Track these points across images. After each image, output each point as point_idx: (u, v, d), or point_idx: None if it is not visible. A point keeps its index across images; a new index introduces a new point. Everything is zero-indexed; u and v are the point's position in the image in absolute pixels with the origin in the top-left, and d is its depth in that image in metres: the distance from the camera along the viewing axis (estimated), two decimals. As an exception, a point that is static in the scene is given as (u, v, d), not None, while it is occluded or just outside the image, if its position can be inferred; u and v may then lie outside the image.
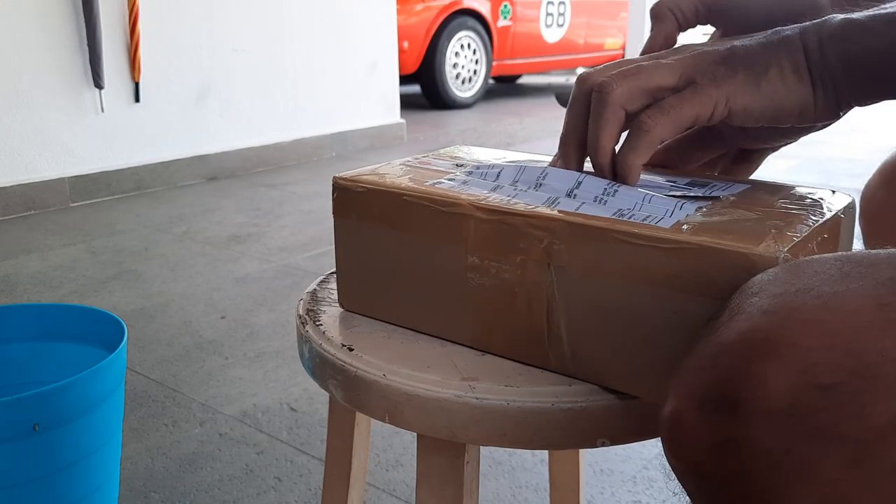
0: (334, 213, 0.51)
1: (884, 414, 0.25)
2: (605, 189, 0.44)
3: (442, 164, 0.54)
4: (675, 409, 0.30)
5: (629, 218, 0.40)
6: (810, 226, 0.39)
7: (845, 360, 0.26)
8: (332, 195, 0.51)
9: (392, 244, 0.49)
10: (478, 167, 0.51)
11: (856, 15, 0.40)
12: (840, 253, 0.32)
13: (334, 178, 0.51)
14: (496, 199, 0.45)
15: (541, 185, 0.46)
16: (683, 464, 0.30)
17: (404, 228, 0.48)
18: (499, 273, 0.44)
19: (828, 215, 0.41)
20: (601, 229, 0.40)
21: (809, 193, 0.45)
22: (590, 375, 0.43)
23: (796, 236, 0.37)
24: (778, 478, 0.26)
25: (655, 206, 0.42)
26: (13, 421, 0.81)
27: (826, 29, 0.41)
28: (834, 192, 0.46)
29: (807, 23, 0.42)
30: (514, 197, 0.45)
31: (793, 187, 0.47)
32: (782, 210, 0.42)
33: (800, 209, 0.42)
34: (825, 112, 0.42)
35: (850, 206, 0.44)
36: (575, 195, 0.44)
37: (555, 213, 0.42)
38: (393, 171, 0.52)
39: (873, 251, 0.31)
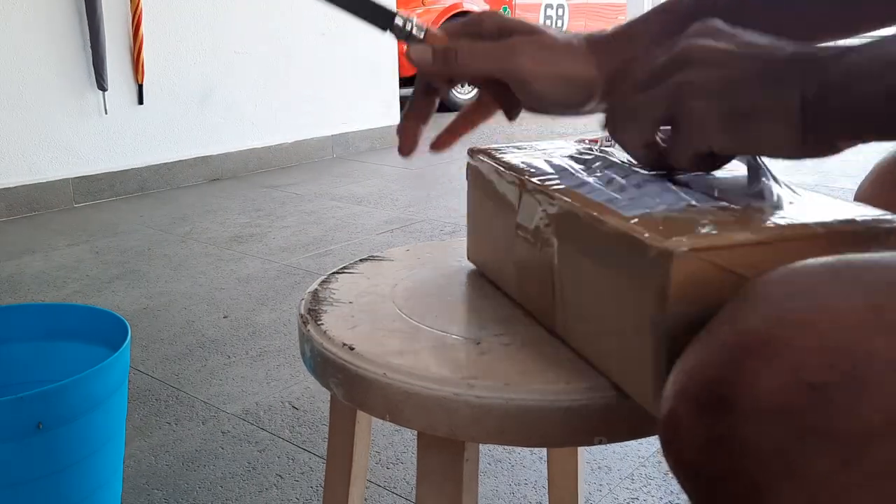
0: (468, 178, 0.60)
1: (874, 413, 0.25)
2: (639, 183, 0.46)
3: (574, 160, 0.54)
4: (671, 409, 0.31)
5: (618, 206, 0.42)
6: (755, 237, 0.37)
7: (836, 359, 0.26)
8: (467, 167, 0.60)
9: (490, 206, 0.56)
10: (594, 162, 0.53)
11: (854, 56, 0.38)
12: (833, 257, 0.32)
13: (469, 149, 0.60)
14: (553, 181, 0.48)
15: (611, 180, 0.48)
16: (679, 462, 0.31)
17: (493, 196, 0.55)
18: (525, 237, 0.50)
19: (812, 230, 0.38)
20: (573, 204, 0.44)
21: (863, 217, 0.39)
22: (582, 351, 0.46)
23: (718, 241, 0.36)
24: (769, 475, 0.27)
25: (657, 200, 0.42)
26: (17, 419, 0.81)
27: (826, 76, 0.39)
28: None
29: (807, 56, 0.40)
30: (579, 185, 0.47)
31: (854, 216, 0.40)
32: (771, 223, 0.38)
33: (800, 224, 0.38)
34: (815, 152, 0.40)
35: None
36: (620, 187, 0.46)
37: (563, 190, 0.46)
38: (525, 152, 0.58)
39: (864, 255, 0.31)
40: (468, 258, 0.63)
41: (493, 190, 0.55)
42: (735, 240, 0.36)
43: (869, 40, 0.40)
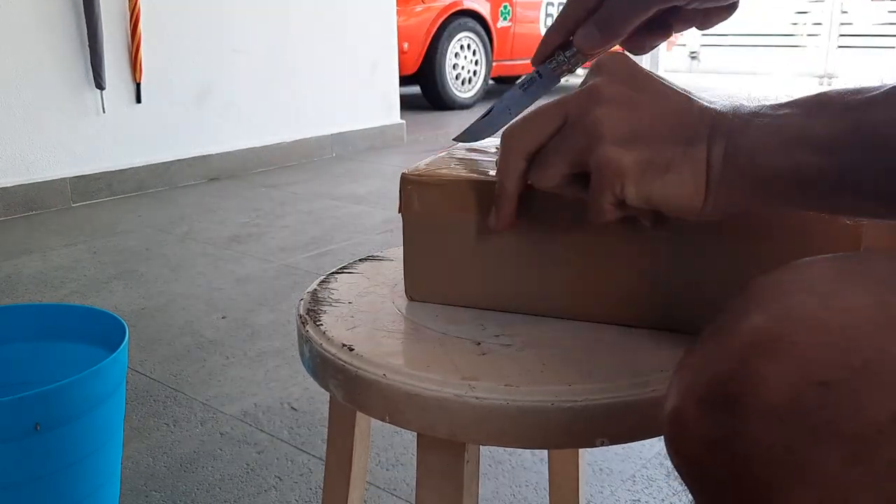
0: (403, 209, 0.53)
1: (883, 411, 0.25)
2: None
3: (481, 156, 0.57)
4: (676, 407, 0.30)
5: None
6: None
7: (844, 357, 0.26)
8: (401, 192, 0.53)
9: (466, 227, 0.52)
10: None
11: (762, 125, 0.37)
12: (837, 254, 0.32)
13: (403, 174, 0.53)
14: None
15: None
16: (684, 461, 0.30)
17: (477, 212, 0.51)
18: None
19: None
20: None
21: None
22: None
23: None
24: (778, 475, 0.26)
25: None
26: (15, 420, 0.81)
27: (733, 142, 0.38)
28: None
29: (714, 117, 0.39)
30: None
31: None
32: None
33: None
34: (718, 214, 0.40)
35: None
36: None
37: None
38: (444, 163, 0.55)
39: (867, 251, 0.31)
40: (410, 297, 0.56)
41: (467, 204, 0.51)
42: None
43: (775, 102, 0.39)
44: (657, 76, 0.42)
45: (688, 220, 0.41)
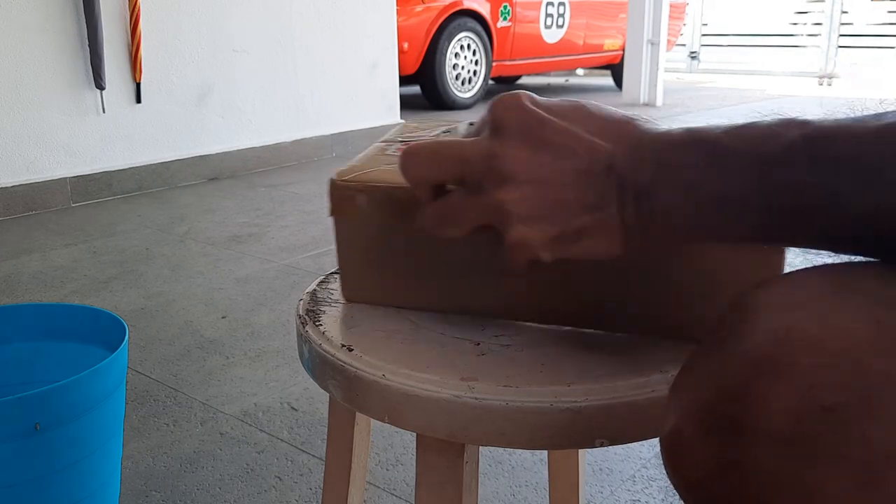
0: (334, 212, 0.52)
1: (889, 436, 0.25)
2: None
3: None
4: (675, 427, 0.30)
5: None
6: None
7: (847, 380, 0.26)
8: (331, 195, 0.52)
9: (395, 231, 0.51)
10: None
11: (669, 190, 0.36)
12: (825, 264, 0.32)
13: (332, 179, 0.52)
14: None
15: None
16: (684, 482, 0.30)
17: (406, 216, 0.49)
18: None
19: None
20: None
21: None
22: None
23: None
24: (783, 500, 0.26)
25: None
26: (15, 420, 0.81)
27: (646, 203, 0.37)
28: None
29: (621, 172, 0.38)
30: None
31: None
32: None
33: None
34: (645, 253, 0.41)
35: None
36: None
37: None
38: (378, 161, 0.54)
39: (854, 264, 0.31)
40: (347, 298, 0.56)
41: (394, 210, 0.50)
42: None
43: (677, 137, 0.37)
44: (556, 117, 0.39)
45: None
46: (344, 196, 0.51)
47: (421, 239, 0.49)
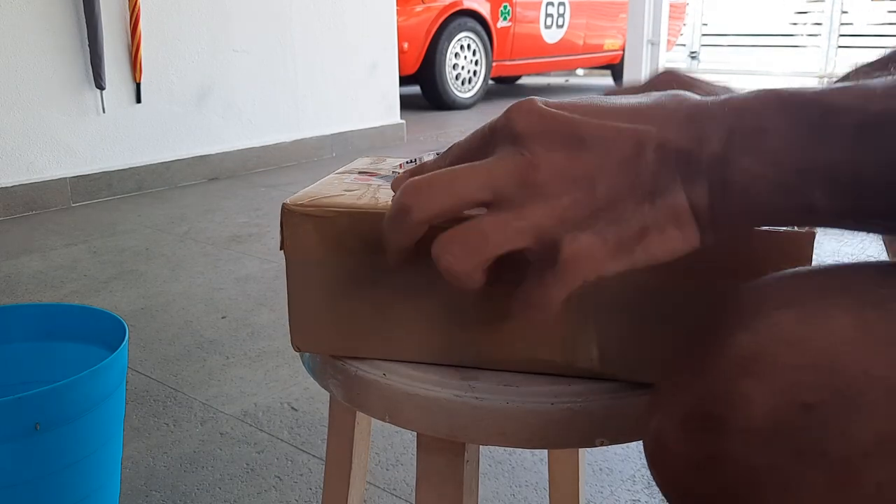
0: (285, 244, 0.45)
1: (868, 433, 0.25)
2: None
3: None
4: (657, 426, 0.30)
5: None
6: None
7: (829, 378, 0.26)
8: (282, 224, 0.44)
9: (363, 267, 0.44)
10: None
11: (747, 158, 0.31)
12: (815, 266, 0.32)
13: (284, 205, 0.44)
14: None
15: None
16: (666, 480, 0.30)
17: (368, 252, 0.43)
18: None
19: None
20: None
21: None
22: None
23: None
24: (763, 497, 0.26)
25: None
26: (15, 420, 0.81)
27: (718, 178, 0.32)
28: None
29: (677, 151, 0.32)
30: None
31: None
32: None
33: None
34: (719, 241, 0.34)
35: None
36: None
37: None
38: (337, 187, 0.48)
39: (847, 264, 0.31)
40: (297, 347, 0.48)
41: (355, 244, 0.43)
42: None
43: (745, 107, 0.32)
44: (579, 113, 0.34)
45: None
46: (298, 223, 0.43)
47: (393, 276, 0.43)
